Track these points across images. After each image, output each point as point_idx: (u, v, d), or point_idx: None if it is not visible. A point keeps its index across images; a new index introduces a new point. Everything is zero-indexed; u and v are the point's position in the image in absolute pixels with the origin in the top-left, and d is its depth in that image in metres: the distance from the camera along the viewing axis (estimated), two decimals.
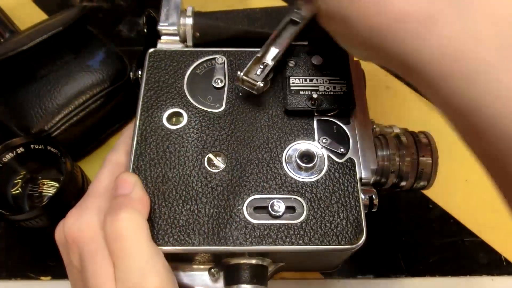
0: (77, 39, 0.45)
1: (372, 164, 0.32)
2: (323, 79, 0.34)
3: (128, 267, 0.25)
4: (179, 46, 0.37)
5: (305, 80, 0.34)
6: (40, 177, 0.43)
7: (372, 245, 0.37)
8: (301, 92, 0.34)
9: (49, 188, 0.42)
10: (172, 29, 0.37)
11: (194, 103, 0.34)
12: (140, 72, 0.36)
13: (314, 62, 0.35)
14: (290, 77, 0.34)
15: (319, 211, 0.30)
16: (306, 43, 0.37)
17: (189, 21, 0.37)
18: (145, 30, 0.38)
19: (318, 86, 0.34)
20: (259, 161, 0.32)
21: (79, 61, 0.45)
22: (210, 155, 0.32)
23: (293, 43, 0.36)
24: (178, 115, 0.34)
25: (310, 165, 0.32)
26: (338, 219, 0.30)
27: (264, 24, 0.38)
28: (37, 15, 0.59)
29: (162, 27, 0.37)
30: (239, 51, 0.37)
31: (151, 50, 0.36)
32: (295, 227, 0.30)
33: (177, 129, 0.33)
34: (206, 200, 0.30)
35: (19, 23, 0.51)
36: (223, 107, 0.34)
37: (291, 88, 0.34)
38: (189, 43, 0.38)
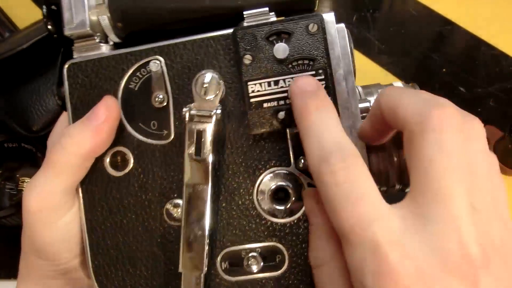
0: None
1: None
2: (292, 78, 0.24)
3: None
4: (103, 49, 0.27)
5: (268, 84, 0.24)
6: (17, 175, 0.43)
7: None
8: (265, 105, 0.24)
9: None
10: (84, 30, 0.26)
11: (137, 135, 0.26)
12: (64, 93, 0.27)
13: (277, 54, 0.24)
14: (248, 83, 0.24)
15: (303, 257, 0.25)
16: (264, 21, 0.25)
17: (103, 11, 0.26)
18: (52, 32, 0.27)
19: (286, 91, 0.24)
20: (226, 203, 0.26)
21: None
22: (168, 206, 0.26)
23: (247, 24, 0.25)
24: (122, 155, 0.26)
25: (288, 201, 0.25)
26: None
27: None
28: (36, 14, 0.58)
29: (70, 30, 0.26)
30: (178, 43, 0.26)
31: (67, 64, 0.26)
32: (277, 280, 0.25)
33: (124, 176, 0.26)
34: (176, 259, 0.25)
35: (18, 22, 0.51)
36: (172, 135, 0.26)
37: (251, 100, 0.24)
38: (114, 39, 0.27)
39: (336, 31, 0.25)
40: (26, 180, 0.42)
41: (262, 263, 0.25)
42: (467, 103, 0.54)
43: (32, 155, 0.40)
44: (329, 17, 0.25)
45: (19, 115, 0.43)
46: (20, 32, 0.47)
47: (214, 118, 0.23)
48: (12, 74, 0.43)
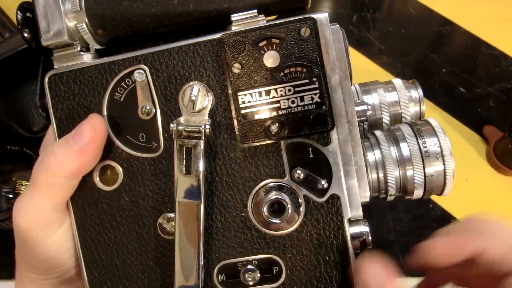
0: None
1: (363, 194, 0.25)
2: (284, 87, 0.23)
3: None
4: (84, 58, 0.26)
5: (259, 94, 0.23)
6: (14, 178, 0.42)
7: (372, 245, 0.37)
8: (257, 116, 0.23)
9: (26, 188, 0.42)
10: (62, 40, 0.24)
11: (125, 149, 0.25)
12: (46, 103, 0.26)
13: (267, 62, 0.23)
14: (238, 93, 0.23)
15: (299, 269, 0.25)
16: (253, 26, 0.24)
17: (81, 18, 0.25)
18: (29, 41, 0.26)
19: (278, 101, 0.23)
20: (221, 216, 0.25)
21: None
22: (161, 220, 0.25)
23: (235, 29, 0.24)
24: (111, 169, 0.25)
25: (284, 214, 0.24)
26: (323, 277, 0.25)
27: None
28: None
29: (47, 40, 0.24)
30: (163, 51, 0.25)
31: (49, 74, 0.25)
32: None
33: (115, 190, 0.25)
34: (171, 273, 0.25)
35: None
36: (161, 147, 0.25)
37: (242, 111, 0.23)
38: (95, 46, 0.26)
39: (331, 33, 0.24)
40: (23, 183, 0.42)
41: (259, 275, 0.25)
42: (467, 103, 0.54)
43: (30, 160, 0.40)
44: (322, 18, 0.23)
45: (19, 116, 0.43)
46: None
47: (203, 134, 0.23)
48: (12, 75, 0.43)
